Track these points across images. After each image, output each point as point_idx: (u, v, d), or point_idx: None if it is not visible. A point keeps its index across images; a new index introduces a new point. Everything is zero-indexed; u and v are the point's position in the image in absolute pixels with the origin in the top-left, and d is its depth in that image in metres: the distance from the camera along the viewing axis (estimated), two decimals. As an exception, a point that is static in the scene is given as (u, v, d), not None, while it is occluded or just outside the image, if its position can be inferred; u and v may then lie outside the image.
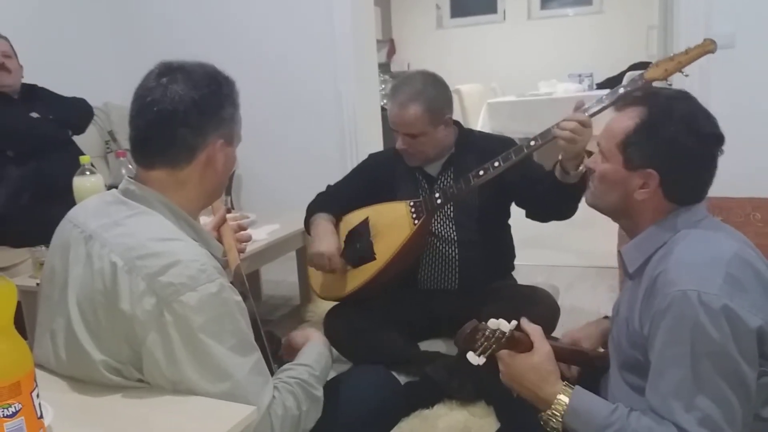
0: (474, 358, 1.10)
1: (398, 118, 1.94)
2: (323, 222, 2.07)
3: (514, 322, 1.11)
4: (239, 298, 1.10)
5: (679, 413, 0.98)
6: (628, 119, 1.15)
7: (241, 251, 1.46)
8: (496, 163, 1.84)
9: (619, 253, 1.23)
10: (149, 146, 1.13)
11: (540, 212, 1.98)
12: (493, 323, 1.10)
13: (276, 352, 1.40)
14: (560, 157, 1.73)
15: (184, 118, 1.10)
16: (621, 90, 1.71)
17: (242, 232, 1.50)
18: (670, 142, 1.10)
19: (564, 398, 1.09)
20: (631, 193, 1.15)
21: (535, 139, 1.79)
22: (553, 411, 1.09)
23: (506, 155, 1.83)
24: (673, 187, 1.13)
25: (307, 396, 1.16)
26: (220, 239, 1.42)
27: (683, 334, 0.99)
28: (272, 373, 1.21)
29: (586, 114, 1.67)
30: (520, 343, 1.13)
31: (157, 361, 1.01)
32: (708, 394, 0.97)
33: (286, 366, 1.22)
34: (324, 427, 1.21)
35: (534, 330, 1.16)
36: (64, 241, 1.13)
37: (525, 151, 1.81)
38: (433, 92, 1.94)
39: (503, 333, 1.09)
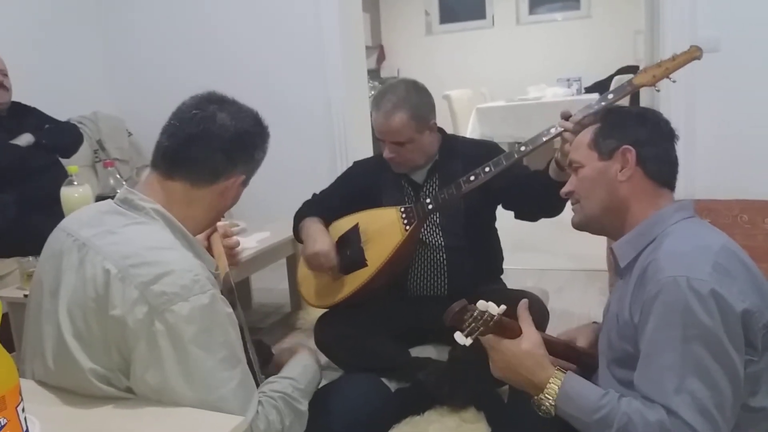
0: (461, 338, 1.11)
1: (384, 127, 1.94)
2: (313, 224, 2.07)
3: (503, 307, 1.12)
4: (231, 310, 1.10)
5: (669, 396, 1.00)
6: (590, 128, 1.26)
7: (234, 265, 1.46)
8: (487, 169, 1.85)
9: (611, 249, 1.25)
10: (181, 157, 1.16)
11: (531, 212, 1.99)
12: (482, 305, 1.11)
13: (265, 362, 1.39)
14: (556, 156, 1.74)
15: (225, 145, 1.16)
16: (610, 96, 1.73)
17: (229, 239, 1.50)
18: (635, 119, 1.22)
19: (557, 382, 1.10)
20: (614, 181, 1.19)
21: (525, 144, 1.81)
22: (546, 395, 1.10)
23: (497, 161, 1.84)
24: (650, 161, 1.18)
25: (290, 410, 1.16)
26: (209, 247, 1.42)
27: (674, 318, 1.01)
28: (258, 384, 1.21)
29: (581, 116, 1.68)
30: (508, 329, 1.14)
31: (145, 370, 1.00)
32: (698, 377, 0.99)
33: (270, 378, 1.22)
34: None
35: (525, 318, 1.17)
36: (57, 250, 1.13)
37: (515, 156, 1.83)
38: (417, 99, 1.94)
39: (491, 316, 1.10)
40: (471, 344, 1.12)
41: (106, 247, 1.06)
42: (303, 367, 1.29)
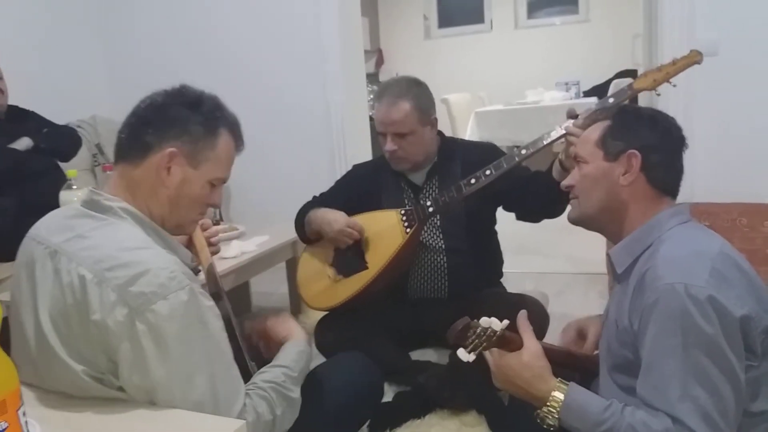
0: (464, 355, 1.11)
1: (387, 117, 1.95)
2: (320, 209, 2.07)
3: (505, 321, 1.12)
4: (211, 302, 1.10)
5: (673, 403, 1.00)
6: (600, 124, 1.24)
7: (214, 252, 1.44)
8: (488, 172, 1.85)
9: (608, 255, 1.24)
10: (118, 144, 1.18)
11: (532, 213, 1.99)
12: (484, 321, 1.11)
13: (254, 352, 1.38)
14: (560, 157, 1.74)
15: (150, 120, 1.16)
16: (610, 100, 1.73)
17: (210, 229, 1.48)
18: (646, 123, 1.19)
19: (559, 395, 1.10)
20: (616, 183, 1.18)
21: (526, 147, 1.81)
22: (549, 408, 1.10)
23: (497, 164, 1.85)
24: (655, 168, 1.17)
25: (282, 399, 1.16)
26: (191, 241, 1.41)
27: (673, 326, 1.01)
28: (249, 372, 1.21)
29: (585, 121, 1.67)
30: (510, 342, 1.14)
31: (131, 370, 1.01)
32: (700, 384, 0.99)
33: (263, 369, 1.22)
34: (305, 418, 1.21)
35: (525, 329, 1.17)
36: (29, 259, 1.12)
37: (516, 160, 1.83)
38: (419, 91, 1.98)
39: (494, 331, 1.10)
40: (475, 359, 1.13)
41: (78, 252, 1.05)
42: (298, 353, 1.28)
